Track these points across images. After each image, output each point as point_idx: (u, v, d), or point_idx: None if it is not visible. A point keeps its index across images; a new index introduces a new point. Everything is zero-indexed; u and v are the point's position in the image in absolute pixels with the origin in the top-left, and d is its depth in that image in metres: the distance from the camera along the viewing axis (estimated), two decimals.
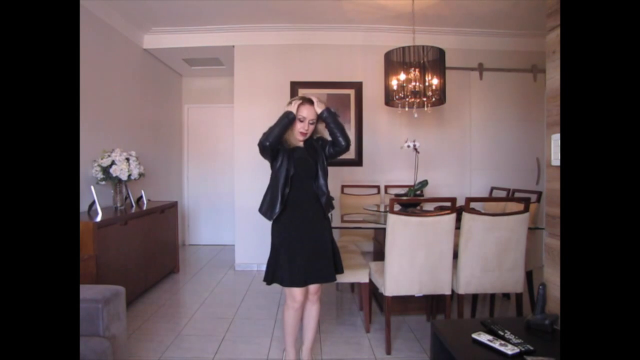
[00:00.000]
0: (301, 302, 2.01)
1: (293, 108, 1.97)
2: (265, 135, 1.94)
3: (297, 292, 1.97)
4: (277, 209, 1.96)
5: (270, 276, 1.99)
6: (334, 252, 2.07)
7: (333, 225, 2.20)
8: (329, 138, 2.06)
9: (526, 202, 2.39)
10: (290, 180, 1.96)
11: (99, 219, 2.73)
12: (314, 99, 2.01)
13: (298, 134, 2.00)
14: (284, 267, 1.94)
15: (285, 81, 4.17)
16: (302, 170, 1.99)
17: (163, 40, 4.18)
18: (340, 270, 2.07)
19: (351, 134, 4.21)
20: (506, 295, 3.24)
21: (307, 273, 1.95)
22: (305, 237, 1.97)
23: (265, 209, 2.00)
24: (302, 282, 1.95)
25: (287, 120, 1.95)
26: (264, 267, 2.04)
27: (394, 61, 3.20)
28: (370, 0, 3.44)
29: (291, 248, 1.95)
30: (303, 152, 2.03)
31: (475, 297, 2.75)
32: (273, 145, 1.93)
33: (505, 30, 4.10)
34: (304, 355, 2.14)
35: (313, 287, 2.04)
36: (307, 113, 1.98)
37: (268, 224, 2.06)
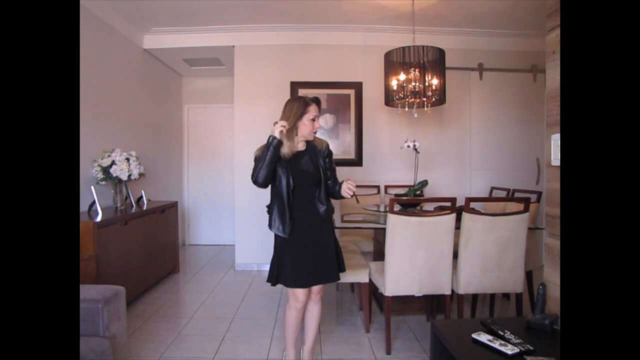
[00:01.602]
0: (304, 303, 2.01)
1: (276, 132, 1.86)
2: (256, 173, 1.89)
3: (300, 292, 1.97)
4: (290, 226, 1.93)
5: (275, 277, 1.99)
6: (337, 251, 2.07)
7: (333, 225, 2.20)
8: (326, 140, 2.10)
9: (526, 202, 2.39)
10: (292, 191, 1.95)
11: (99, 219, 2.73)
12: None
13: (310, 134, 1.98)
14: (288, 268, 1.93)
15: (285, 81, 4.17)
16: (304, 179, 1.97)
17: (163, 40, 4.18)
18: (342, 269, 2.08)
19: (351, 133, 4.22)
20: (506, 295, 3.24)
21: (311, 274, 1.94)
22: (309, 238, 1.97)
23: (278, 226, 1.95)
24: (307, 283, 1.95)
25: (274, 149, 1.86)
26: (264, 267, 2.04)
27: (393, 61, 3.20)
28: (370, 0, 3.44)
29: (295, 249, 1.95)
30: (305, 161, 1.98)
31: (475, 297, 2.75)
32: (268, 181, 1.91)
33: (505, 30, 4.10)
34: (304, 355, 2.14)
35: (316, 287, 2.04)
36: (316, 110, 1.97)
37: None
